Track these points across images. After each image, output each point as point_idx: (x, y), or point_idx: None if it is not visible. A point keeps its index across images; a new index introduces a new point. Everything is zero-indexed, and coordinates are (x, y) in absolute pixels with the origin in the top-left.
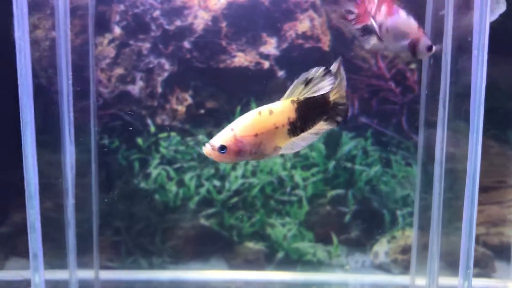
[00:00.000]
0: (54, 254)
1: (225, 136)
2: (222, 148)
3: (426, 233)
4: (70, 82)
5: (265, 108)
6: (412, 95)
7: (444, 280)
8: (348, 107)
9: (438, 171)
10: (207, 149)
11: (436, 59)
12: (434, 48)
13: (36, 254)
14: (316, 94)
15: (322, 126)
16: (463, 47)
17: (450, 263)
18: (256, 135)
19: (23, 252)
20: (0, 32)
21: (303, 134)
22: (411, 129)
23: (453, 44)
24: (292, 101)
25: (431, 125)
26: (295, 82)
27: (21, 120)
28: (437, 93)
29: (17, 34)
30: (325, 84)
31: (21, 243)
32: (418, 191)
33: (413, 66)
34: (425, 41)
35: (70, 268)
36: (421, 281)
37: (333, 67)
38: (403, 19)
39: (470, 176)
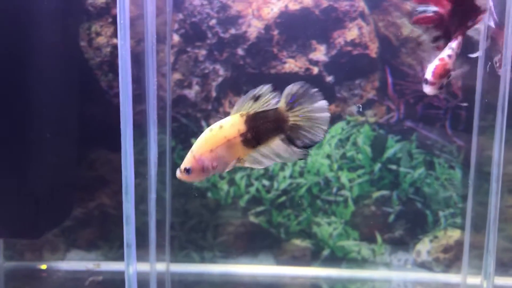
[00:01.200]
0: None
1: (187, 159)
2: (188, 170)
3: (475, 233)
4: (155, 87)
5: (215, 125)
6: (456, 100)
7: (498, 279)
8: (317, 138)
9: (496, 172)
10: (178, 174)
11: (492, 69)
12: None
13: (130, 245)
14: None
15: (280, 149)
16: None
17: (503, 263)
18: (211, 150)
19: (82, 245)
20: (68, 39)
21: (262, 150)
22: (454, 133)
23: None
24: (241, 115)
25: (484, 129)
26: (242, 98)
27: (121, 121)
28: (490, 100)
29: (119, 43)
30: (270, 99)
31: (81, 237)
32: (471, 193)
33: None
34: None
35: (150, 259)
36: (472, 280)
37: (290, 89)
38: None
39: None
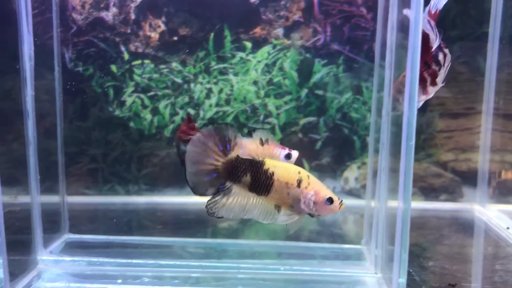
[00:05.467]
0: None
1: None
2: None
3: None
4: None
5: None
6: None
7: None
8: None
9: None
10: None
11: None
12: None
13: None
14: None
15: None
16: None
17: (434, 189)
18: None
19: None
20: None
21: None
22: (382, 56)
23: None
24: None
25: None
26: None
27: None
28: None
29: None
30: None
31: None
32: (373, 116)
33: None
34: None
35: (32, 192)
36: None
37: None
38: None
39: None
